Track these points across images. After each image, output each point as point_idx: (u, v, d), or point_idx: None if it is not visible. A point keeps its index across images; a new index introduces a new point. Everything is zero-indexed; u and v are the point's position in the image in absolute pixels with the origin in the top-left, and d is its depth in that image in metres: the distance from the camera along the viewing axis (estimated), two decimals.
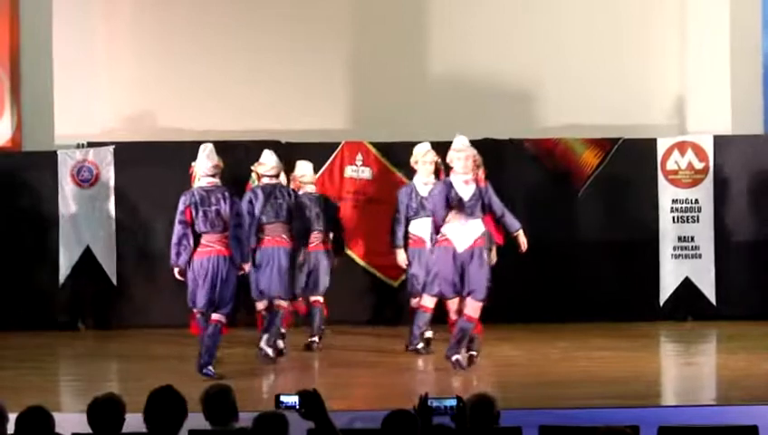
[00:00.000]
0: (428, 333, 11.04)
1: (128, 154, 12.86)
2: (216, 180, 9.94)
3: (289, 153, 13.01)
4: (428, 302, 10.43)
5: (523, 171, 13.00)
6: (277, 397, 5.06)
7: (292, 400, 5.02)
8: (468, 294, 9.90)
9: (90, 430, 5.57)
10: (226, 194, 9.86)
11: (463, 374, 9.80)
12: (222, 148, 11.54)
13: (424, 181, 11.23)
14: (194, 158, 10.22)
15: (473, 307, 9.87)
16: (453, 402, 5.18)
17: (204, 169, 9.96)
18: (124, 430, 5.60)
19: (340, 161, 13.10)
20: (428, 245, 10.58)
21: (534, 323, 12.70)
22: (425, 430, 5.15)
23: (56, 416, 5.72)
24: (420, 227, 11.09)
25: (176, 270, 9.86)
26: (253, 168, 11.15)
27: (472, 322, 9.90)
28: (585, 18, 13.50)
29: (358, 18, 13.65)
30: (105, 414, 5.54)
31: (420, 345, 10.91)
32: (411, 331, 10.83)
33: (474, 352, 10.13)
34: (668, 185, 12.99)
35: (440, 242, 9.99)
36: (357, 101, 13.56)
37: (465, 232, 9.93)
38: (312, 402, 5.02)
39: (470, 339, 10.07)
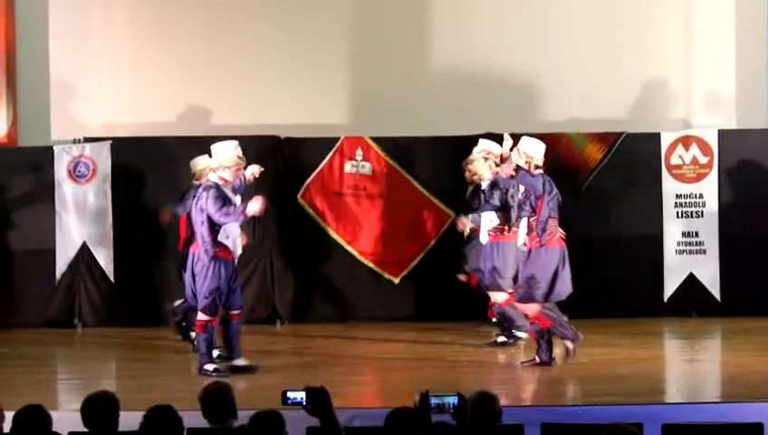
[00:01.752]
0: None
1: (125, 149, 12.76)
2: (207, 177, 9.90)
3: (288, 148, 12.99)
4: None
5: None
6: (284, 393, 5.00)
7: (300, 396, 4.97)
8: None
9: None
10: (198, 191, 9.80)
11: (464, 371, 9.75)
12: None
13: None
14: (191, 153, 10.13)
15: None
16: (454, 400, 5.10)
17: None
18: (120, 428, 5.56)
19: (340, 156, 13.01)
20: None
21: None
22: (425, 427, 5.07)
23: (53, 414, 5.71)
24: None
25: None
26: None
27: (532, 322, 9.90)
28: (588, 11, 13.41)
29: (358, 12, 13.56)
30: (99, 412, 5.54)
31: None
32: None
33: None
34: (672, 179, 12.89)
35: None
36: (357, 96, 13.48)
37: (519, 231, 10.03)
38: (319, 399, 4.97)
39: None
